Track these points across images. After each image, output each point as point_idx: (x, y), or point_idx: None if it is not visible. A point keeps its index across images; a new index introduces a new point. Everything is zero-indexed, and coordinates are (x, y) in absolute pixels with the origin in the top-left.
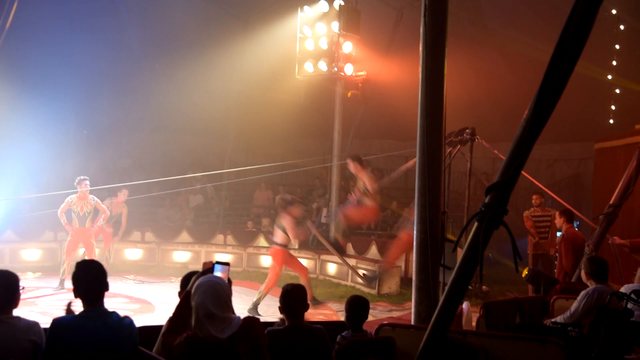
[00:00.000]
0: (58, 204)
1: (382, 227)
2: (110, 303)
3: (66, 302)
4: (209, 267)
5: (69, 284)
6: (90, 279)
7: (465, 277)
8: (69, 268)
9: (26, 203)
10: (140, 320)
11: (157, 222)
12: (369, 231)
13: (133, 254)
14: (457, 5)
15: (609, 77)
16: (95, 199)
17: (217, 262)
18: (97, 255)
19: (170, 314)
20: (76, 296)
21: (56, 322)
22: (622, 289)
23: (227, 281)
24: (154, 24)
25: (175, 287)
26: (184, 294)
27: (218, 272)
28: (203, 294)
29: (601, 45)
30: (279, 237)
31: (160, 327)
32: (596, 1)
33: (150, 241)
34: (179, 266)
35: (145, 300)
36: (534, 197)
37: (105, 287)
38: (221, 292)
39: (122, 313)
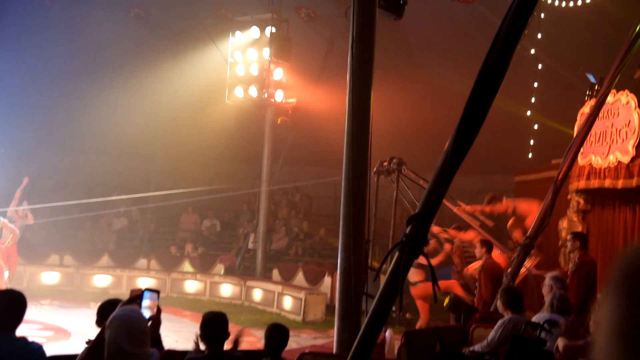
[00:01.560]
0: None
1: (310, 253)
2: (22, 330)
3: None
4: (137, 295)
5: None
6: (7, 309)
7: (386, 306)
8: None
9: None
10: (54, 349)
11: (77, 245)
12: (296, 257)
13: (50, 277)
14: (385, 37)
15: (528, 113)
16: (2, 219)
17: (147, 289)
18: (6, 277)
19: (89, 344)
20: None
21: None
22: (534, 318)
23: (156, 309)
24: (81, 42)
25: (94, 313)
26: (103, 325)
27: (147, 300)
28: (115, 329)
29: (521, 82)
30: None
31: (75, 356)
32: (513, 41)
33: (68, 265)
34: (98, 291)
35: (60, 327)
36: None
37: (20, 319)
38: (135, 327)
39: (34, 340)
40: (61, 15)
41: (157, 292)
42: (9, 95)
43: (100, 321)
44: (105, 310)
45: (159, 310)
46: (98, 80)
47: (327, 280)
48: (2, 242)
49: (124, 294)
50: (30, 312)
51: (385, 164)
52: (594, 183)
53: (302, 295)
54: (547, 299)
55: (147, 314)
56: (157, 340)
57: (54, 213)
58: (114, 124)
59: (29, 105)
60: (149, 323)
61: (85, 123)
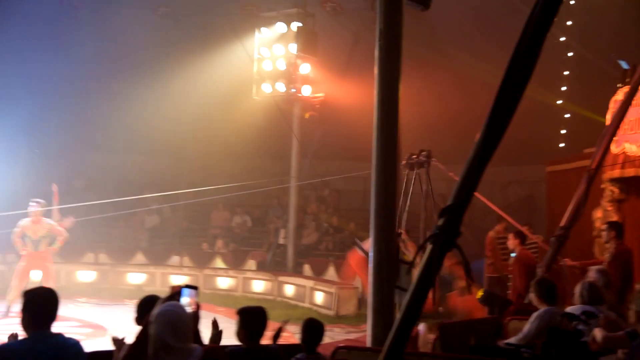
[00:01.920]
0: (7, 225)
1: (340, 247)
2: (61, 327)
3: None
4: (176, 291)
5: (16, 308)
6: (40, 308)
7: (419, 299)
8: (18, 294)
9: None
10: (92, 345)
11: (111, 244)
12: (327, 252)
13: (86, 276)
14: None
15: (559, 102)
16: (50, 221)
17: (186, 286)
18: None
19: (131, 340)
20: (23, 326)
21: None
22: (570, 309)
23: (196, 306)
24: (110, 42)
25: (130, 309)
26: (145, 321)
27: (186, 297)
28: (160, 324)
29: (551, 70)
30: None
31: (112, 352)
32: (543, 29)
33: (103, 263)
34: (133, 288)
35: (98, 324)
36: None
37: (54, 316)
38: (180, 322)
39: (71, 336)
40: (90, 15)
41: (196, 288)
42: (42, 97)
43: (139, 318)
44: (145, 307)
45: (197, 307)
46: (127, 79)
47: None
48: (54, 249)
49: (158, 290)
50: (68, 310)
51: (414, 156)
52: (629, 171)
53: (333, 289)
54: (577, 289)
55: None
56: (196, 335)
57: (88, 212)
58: (144, 122)
59: (60, 106)
60: None
61: (116, 122)
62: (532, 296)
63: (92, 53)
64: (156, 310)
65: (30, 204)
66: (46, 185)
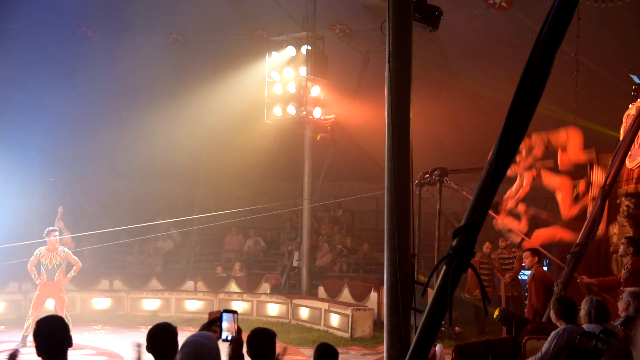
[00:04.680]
0: (23, 254)
1: (354, 269)
2: (77, 356)
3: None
4: (216, 317)
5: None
6: (51, 335)
7: (435, 320)
8: (33, 324)
9: None
10: None
11: (126, 270)
12: (341, 273)
13: (101, 303)
14: (422, 49)
15: (571, 117)
16: (66, 250)
17: (225, 311)
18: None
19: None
20: (38, 354)
21: None
22: (587, 328)
23: (236, 330)
24: (123, 70)
25: (144, 336)
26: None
27: (225, 322)
28: (186, 354)
29: (561, 86)
30: None
31: None
32: (554, 46)
33: (118, 289)
34: (148, 314)
35: (113, 351)
36: (500, 240)
37: (67, 342)
38: (204, 353)
39: None
40: (102, 44)
41: (235, 312)
42: (55, 125)
43: (150, 346)
44: (155, 335)
45: (239, 331)
46: (139, 106)
47: (374, 295)
48: (68, 278)
49: (172, 316)
50: (84, 338)
51: (427, 175)
52: None
53: (349, 311)
54: (585, 307)
55: (227, 335)
56: None
57: (102, 239)
58: (156, 148)
59: (74, 134)
60: (230, 345)
61: (129, 148)
62: (551, 314)
63: (105, 81)
64: (187, 338)
65: (50, 230)
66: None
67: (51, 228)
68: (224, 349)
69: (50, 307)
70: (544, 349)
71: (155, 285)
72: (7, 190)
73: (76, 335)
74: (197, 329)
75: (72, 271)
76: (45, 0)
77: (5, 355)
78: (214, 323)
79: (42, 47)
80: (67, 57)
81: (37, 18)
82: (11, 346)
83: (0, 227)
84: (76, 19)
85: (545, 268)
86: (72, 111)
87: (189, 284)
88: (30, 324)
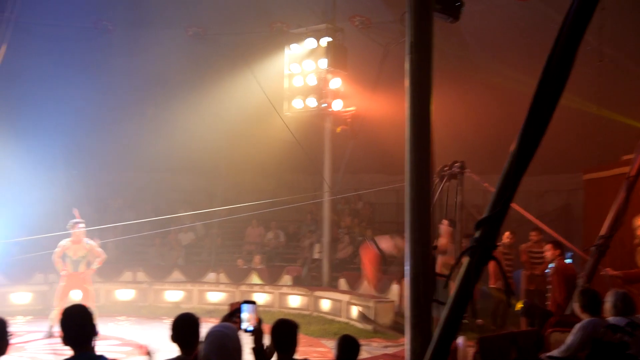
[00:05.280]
0: (48, 246)
1: None
2: (101, 346)
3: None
4: (236, 308)
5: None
6: (77, 324)
7: (458, 312)
8: (59, 314)
9: (16, 245)
10: None
11: (149, 262)
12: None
13: (125, 294)
14: (442, 40)
15: (593, 108)
16: (90, 242)
17: (245, 302)
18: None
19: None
20: (65, 343)
21: None
22: (612, 320)
23: (256, 321)
24: (143, 63)
25: (168, 327)
26: (196, 346)
27: (246, 313)
28: (209, 344)
29: (584, 77)
30: None
31: None
32: (577, 37)
33: (142, 281)
34: (171, 306)
35: (137, 342)
36: (533, 233)
37: (93, 331)
38: (228, 344)
39: (113, 356)
40: (123, 38)
41: (254, 303)
42: (77, 119)
43: (175, 336)
44: (179, 326)
45: (259, 322)
46: (160, 99)
47: (395, 287)
48: (93, 269)
49: (195, 307)
50: (108, 329)
51: (446, 168)
52: None
53: (370, 303)
54: (610, 300)
55: (247, 326)
56: (260, 352)
57: (126, 231)
58: (178, 141)
59: (97, 127)
60: (252, 335)
61: (151, 142)
62: (575, 306)
63: (125, 74)
64: (209, 329)
65: (74, 222)
66: (84, 206)
67: (76, 220)
68: (244, 339)
69: (75, 298)
70: (568, 341)
71: (178, 277)
72: (31, 183)
73: (101, 326)
74: (219, 320)
75: (96, 262)
76: None
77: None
78: (234, 314)
79: (63, 41)
80: (89, 51)
81: (58, 12)
82: (38, 336)
83: (25, 220)
84: (97, 13)
85: (569, 261)
86: (94, 104)
87: (211, 276)
88: (56, 314)
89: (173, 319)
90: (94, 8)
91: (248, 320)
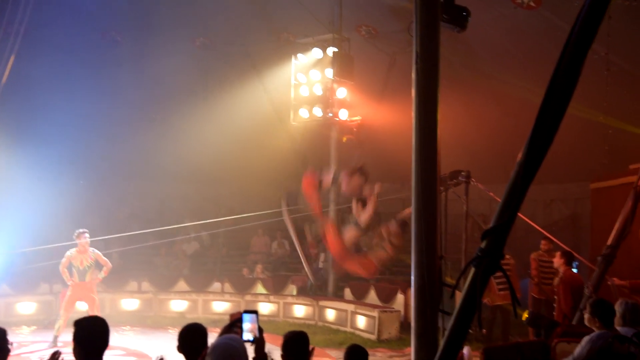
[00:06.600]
0: (53, 256)
1: (381, 271)
2: (107, 356)
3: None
4: (237, 318)
5: (63, 339)
6: (92, 338)
7: (464, 323)
8: (64, 324)
9: (21, 255)
10: None
11: (154, 272)
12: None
13: (129, 304)
14: (449, 49)
15: (600, 117)
16: (96, 251)
17: (246, 311)
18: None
19: None
20: (76, 356)
21: None
22: (620, 331)
23: (257, 330)
24: (151, 74)
25: (173, 337)
26: (203, 355)
27: (247, 323)
28: (217, 357)
29: (591, 85)
30: None
31: None
32: (585, 46)
33: (146, 291)
34: (176, 316)
35: (142, 352)
36: (543, 242)
37: (106, 344)
38: (235, 356)
39: None
40: (131, 48)
41: (255, 312)
42: (85, 129)
43: (182, 346)
44: (186, 336)
45: (260, 331)
46: (167, 109)
47: (400, 297)
48: (99, 279)
49: (200, 317)
50: (113, 339)
51: (451, 177)
52: None
53: (375, 313)
54: (619, 310)
55: (249, 336)
56: None
57: (131, 241)
58: (184, 151)
59: (103, 137)
60: (253, 345)
61: (157, 151)
62: (586, 316)
63: (133, 85)
64: (214, 341)
65: (80, 232)
66: (90, 216)
67: (81, 230)
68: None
69: (81, 308)
70: (577, 351)
71: (183, 287)
72: (37, 193)
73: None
74: (219, 330)
75: (102, 272)
76: (75, 5)
77: (47, 355)
78: (234, 324)
79: (70, 52)
80: (97, 61)
81: (67, 23)
82: (43, 346)
83: (31, 229)
84: (105, 24)
85: (575, 270)
86: (101, 114)
87: (216, 286)
88: (61, 325)
89: (180, 329)
90: (102, 19)
91: (249, 330)
